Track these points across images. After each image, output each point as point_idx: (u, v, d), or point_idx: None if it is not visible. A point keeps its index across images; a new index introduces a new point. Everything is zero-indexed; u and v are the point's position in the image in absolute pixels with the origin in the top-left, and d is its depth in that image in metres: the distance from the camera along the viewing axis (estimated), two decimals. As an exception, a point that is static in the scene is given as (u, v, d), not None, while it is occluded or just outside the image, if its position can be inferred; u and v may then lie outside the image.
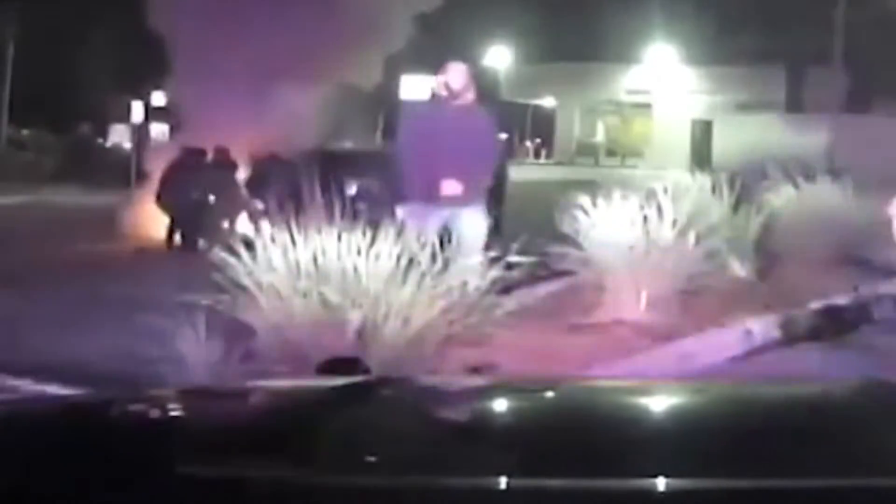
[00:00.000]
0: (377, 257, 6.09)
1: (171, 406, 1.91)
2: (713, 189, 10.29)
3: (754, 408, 1.92)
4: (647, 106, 46.06)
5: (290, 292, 6.03)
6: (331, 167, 13.52)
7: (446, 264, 6.22)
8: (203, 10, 17.38)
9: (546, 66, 45.83)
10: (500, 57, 47.41)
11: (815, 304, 8.98)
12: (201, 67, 17.21)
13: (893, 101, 31.48)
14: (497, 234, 7.11)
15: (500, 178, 16.49)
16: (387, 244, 6.11)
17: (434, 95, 8.58)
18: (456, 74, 8.44)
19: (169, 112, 22.23)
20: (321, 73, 17.71)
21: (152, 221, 15.61)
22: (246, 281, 6.06)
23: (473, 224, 8.05)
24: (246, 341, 5.94)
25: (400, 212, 7.50)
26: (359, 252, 6.08)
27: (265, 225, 6.81)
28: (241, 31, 17.41)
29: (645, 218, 8.59)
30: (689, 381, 3.12)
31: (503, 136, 18.73)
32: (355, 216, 6.24)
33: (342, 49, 18.09)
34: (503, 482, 1.32)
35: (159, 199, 15.33)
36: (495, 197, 15.66)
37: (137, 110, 32.10)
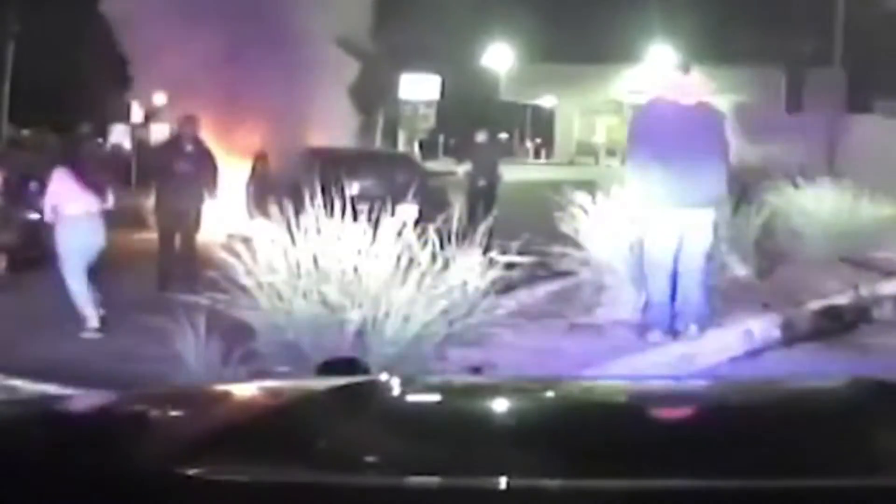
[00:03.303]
0: (377, 257, 6.09)
1: (171, 406, 1.91)
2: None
3: (754, 408, 1.92)
4: (647, 106, 45.96)
5: (290, 292, 6.03)
6: (331, 167, 13.51)
7: (446, 264, 6.22)
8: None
9: (546, 66, 45.78)
10: (500, 57, 47.39)
11: (815, 304, 8.98)
12: None
13: (893, 101, 31.46)
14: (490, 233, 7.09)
15: (492, 179, 16.55)
16: (387, 244, 6.11)
17: None
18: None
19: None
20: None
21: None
22: (246, 281, 6.06)
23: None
24: (246, 341, 5.94)
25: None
26: (359, 252, 6.08)
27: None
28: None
29: (645, 218, 8.58)
30: (689, 381, 3.12)
31: (503, 135, 18.79)
32: (355, 216, 6.23)
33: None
34: (503, 482, 1.32)
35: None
36: (486, 197, 15.72)
37: (137, 110, 32.09)
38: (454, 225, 6.37)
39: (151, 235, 12.14)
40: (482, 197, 15.61)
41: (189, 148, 11.42)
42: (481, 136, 17.22)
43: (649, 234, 7.75)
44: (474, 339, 6.28)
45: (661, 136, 7.61)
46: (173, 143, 11.96)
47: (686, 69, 8.14)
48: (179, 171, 11.15)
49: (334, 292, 5.94)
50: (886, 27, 30.96)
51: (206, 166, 11.44)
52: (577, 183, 9.24)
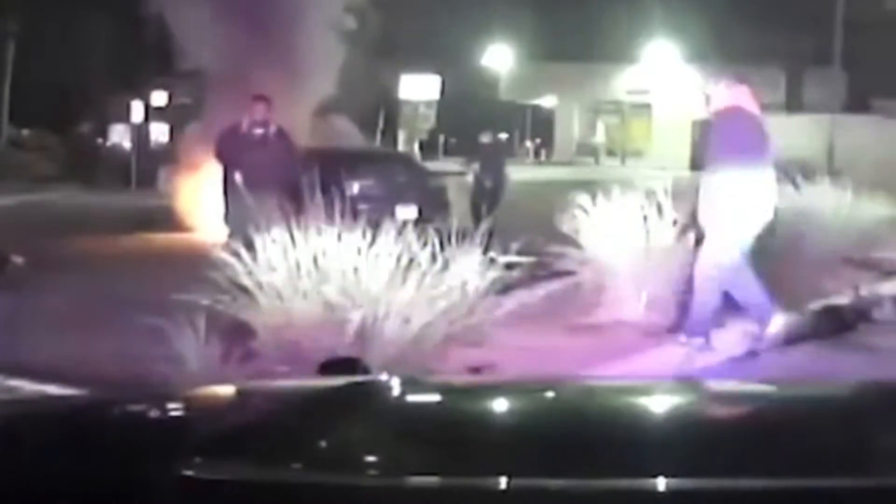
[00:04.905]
0: (377, 257, 6.09)
1: (171, 406, 1.91)
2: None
3: (754, 408, 1.92)
4: (647, 106, 46.08)
5: (290, 292, 6.03)
6: (331, 167, 13.49)
7: (446, 264, 6.22)
8: None
9: (546, 66, 45.79)
10: (500, 57, 47.39)
11: (815, 304, 8.98)
12: None
13: (893, 101, 31.49)
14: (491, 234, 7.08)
15: (497, 181, 16.54)
16: (387, 244, 6.11)
17: None
18: None
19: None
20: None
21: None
22: (246, 281, 6.06)
23: None
24: (246, 341, 5.94)
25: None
26: (359, 252, 6.08)
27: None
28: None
29: (645, 218, 8.59)
30: (689, 381, 3.12)
31: (503, 136, 18.83)
32: (355, 216, 6.23)
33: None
34: (503, 482, 1.32)
35: None
36: (491, 198, 15.72)
37: (137, 110, 32.13)
38: (454, 224, 6.38)
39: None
40: (487, 199, 15.62)
41: (260, 132, 10.01)
42: (486, 137, 17.22)
43: (719, 241, 7.71)
44: (474, 339, 6.28)
45: (743, 143, 7.85)
46: (242, 130, 10.40)
47: (741, 81, 8.39)
48: (254, 162, 9.54)
49: (334, 292, 5.94)
50: (886, 27, 30.98)
51: (285, 153, 9.87)
52: (577, 183, 9.26)
